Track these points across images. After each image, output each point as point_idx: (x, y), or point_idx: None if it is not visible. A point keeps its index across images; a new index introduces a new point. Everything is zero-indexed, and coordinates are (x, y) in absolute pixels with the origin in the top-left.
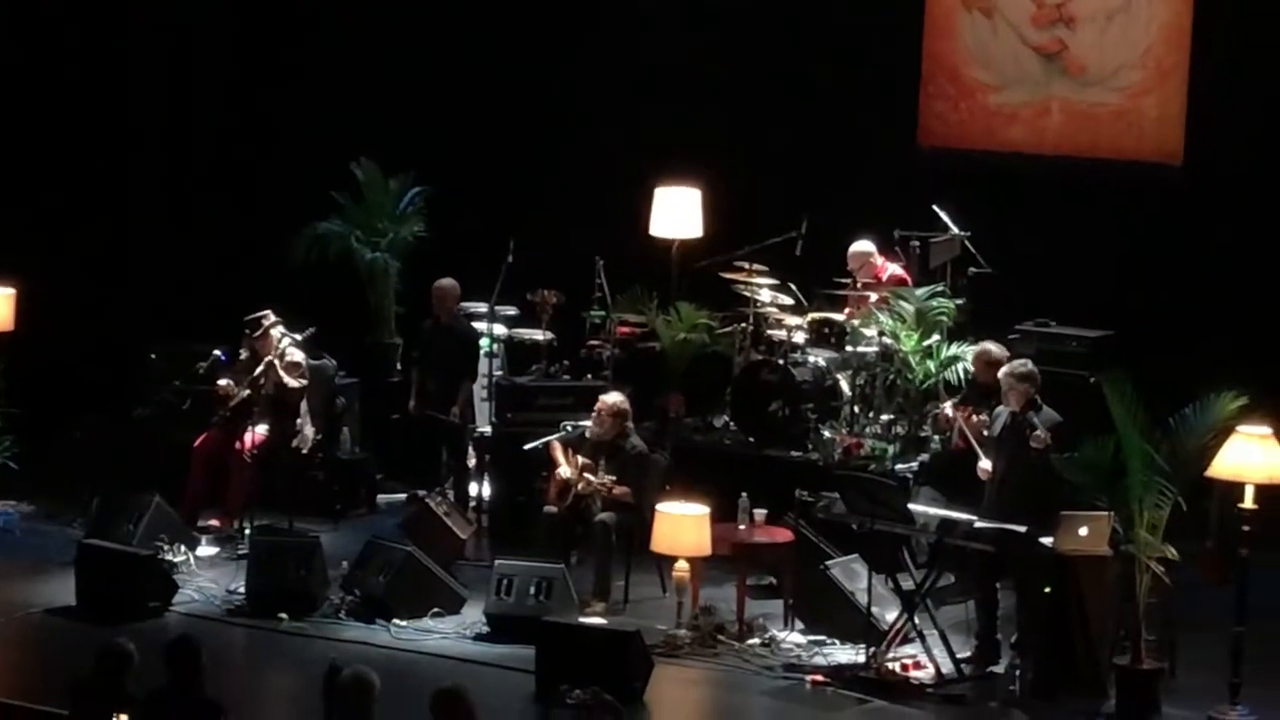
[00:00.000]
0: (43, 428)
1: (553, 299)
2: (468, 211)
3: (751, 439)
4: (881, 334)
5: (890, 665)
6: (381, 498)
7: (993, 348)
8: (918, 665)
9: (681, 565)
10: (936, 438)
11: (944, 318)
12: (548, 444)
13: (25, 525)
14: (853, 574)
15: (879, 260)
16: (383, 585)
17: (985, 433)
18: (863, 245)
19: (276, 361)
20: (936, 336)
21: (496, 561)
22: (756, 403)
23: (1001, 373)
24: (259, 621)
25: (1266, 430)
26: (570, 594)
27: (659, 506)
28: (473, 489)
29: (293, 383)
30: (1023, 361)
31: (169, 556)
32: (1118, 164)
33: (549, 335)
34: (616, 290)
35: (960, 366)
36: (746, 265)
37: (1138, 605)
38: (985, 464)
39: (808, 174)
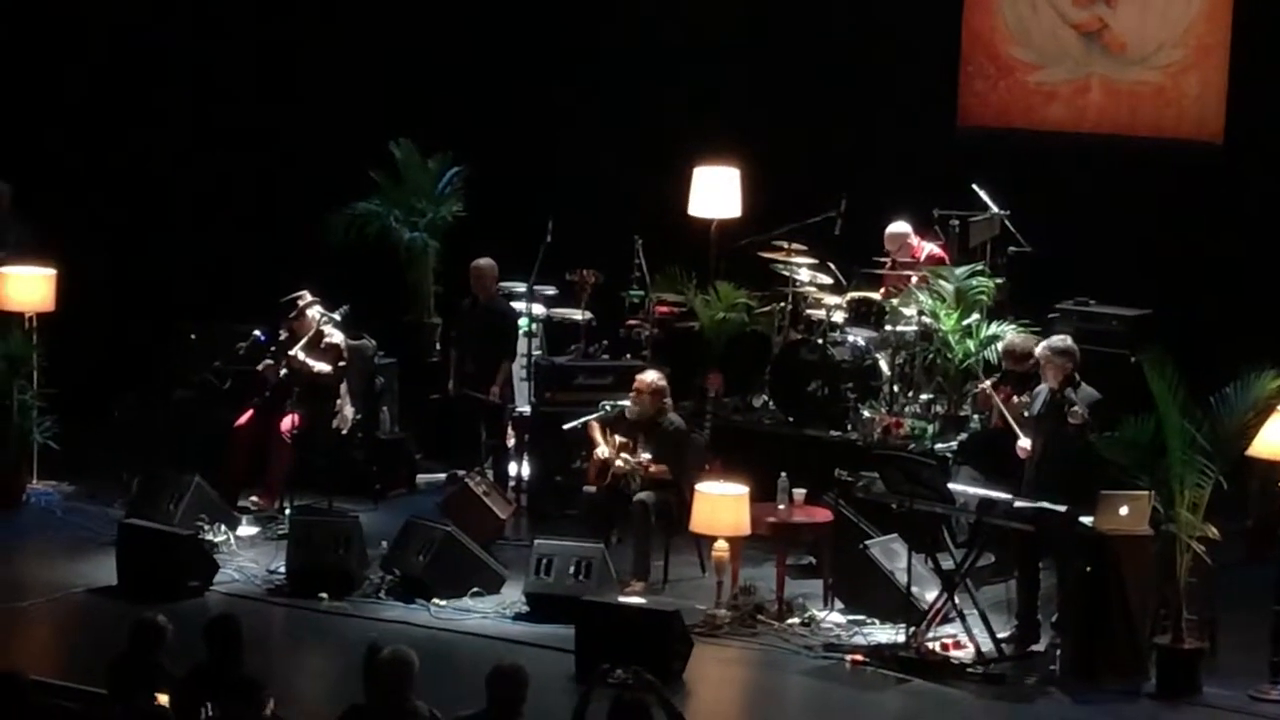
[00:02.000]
0: (83, 409)
1: (591, 278)
2: (506, 191)
3: (790, 418)
4: (921, 313)
5: (930, 645)
6: (421, 477)
7: (1019, 340)
8: (958, 645)
9: (721, 545)
10: (976, 417)
11: (983, 296)
12: (586, 423)
13: (66, 505)
14: (892, 553)
15: (915, 240)
16: (422, 565)
17: (1025, 413)
18: (899, 226)
19: (301, 352)
20: (976, 315)
21: (536, 541)
22: (795, 382)
23: (1039, 348)
24: (299, 601)
25: None
26: (610, 573)
27: (698, 486)
28: (512, 468)
29: (321, 367)
30: (1062, 338)
31: (209, 536)
32: (1158, 142)
33: (588, 315)
34: (655, 270)
35: (1000, 346)
36: (785, 244)
37: (1178, 584)
38: (1024, 443)
39: (847, 153)
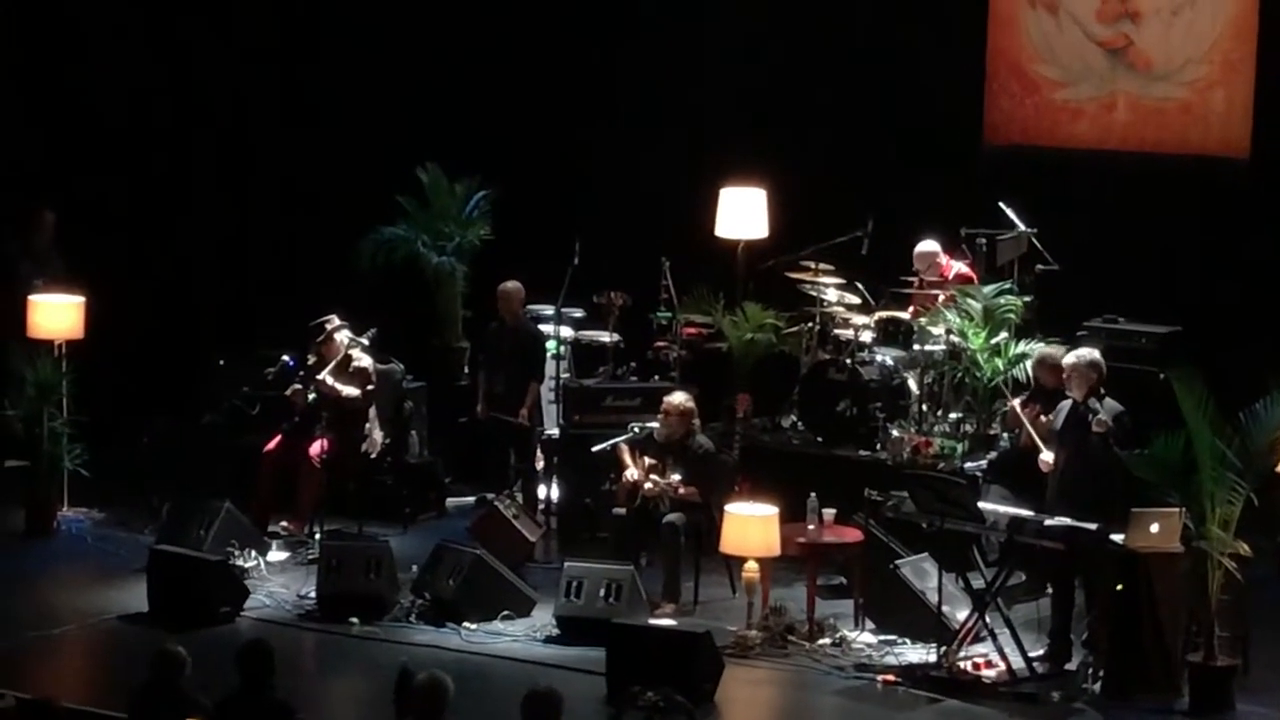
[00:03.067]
0: (113, 435)
1: (619, 300)
2: (533, 214)
3: (820, 438)
4: (949, 332)
5: (962, 664)
6: (450, 501)
7: (1054, 351)
8: (989, 664)
9: (751, 566)
10: (1005, 435)
11: (1012, 315)
12: (615, 446)
13: (97, 532)
14: (923, 573)
15: (944, 259)
16: (453, 589)
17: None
18: (928, 245)
19: (329, 376)
20: (1004, 334)
21: (566, 564)
22: (824, 402)
23: (1067, 360)
24: (330, 626)
25: None
26: (640, 595)
27: (727, 507)
28: (541, 491)
29: (349, 392)
30: (1088, 350)
31: (240, 562)
32: (1184, 159)
33: (615, 337)
34: (683, 291)
35: (1028, 364)
36: (812, 265)
37: (1210, 602)
38: (1047, 456)
39: (873, 172)
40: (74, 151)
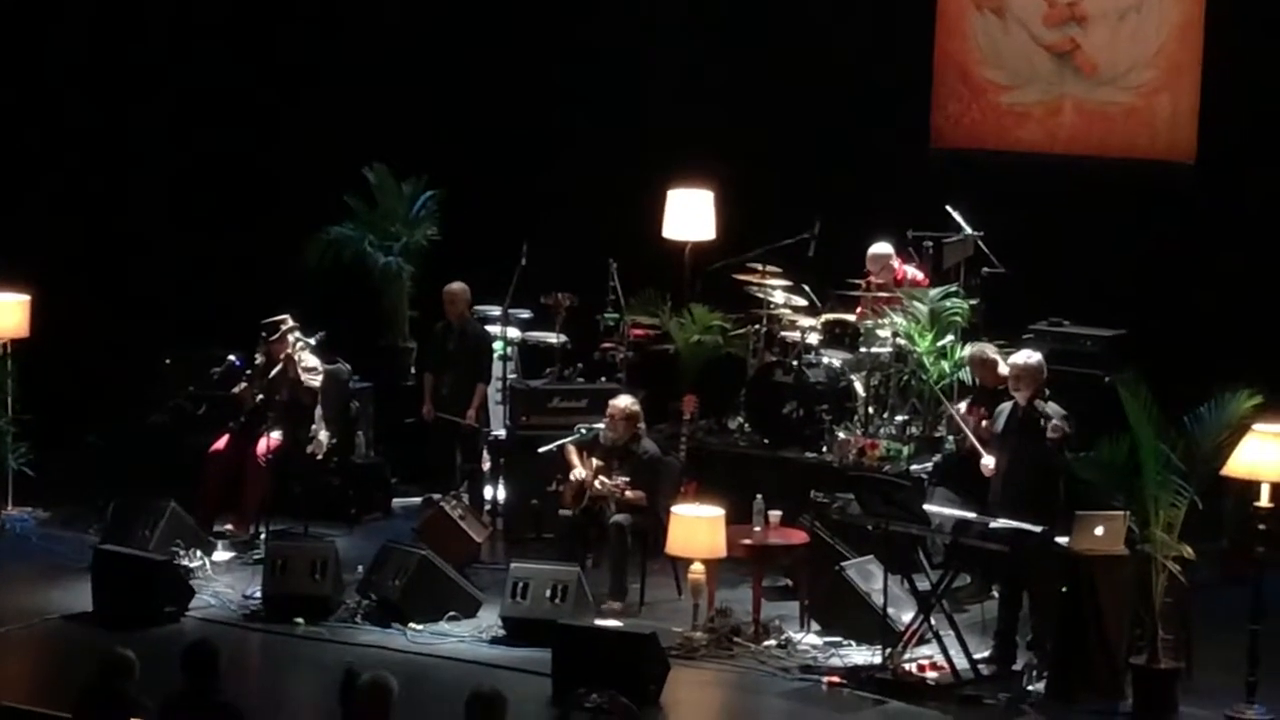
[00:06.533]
0: (58, 434)
1: (566, 302)
2: (480, 215)
3: (766, 440)
4: (895, 335)
5: (906, 666)
6: (396, 502)
7: (988, 349)
8: (934, 666)
9: (697, 567)
10: (950, 438)
11: (958, 318)
12: (562, 447)
13: (41, 531)
14: (868, 575)
15: (896, 262)
16: (398, 589)
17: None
18: (882, 247)
19: (294, 362)
20: (950, 337)
21: (512, 564)
22: (771, 404)
23: (1015, 361)
24: (275, 626)
25: None
26: (586, 596)
27: (674, 509)
28: (488, 492)
29: (312, 381)
30: (1029, 353)
31: (185, 562)
32: (1131, 163)
33: (562, 338)
34: (630, 293)
35: (967, 357)
36: (760, 267)
37: (1154, 604)
38: (989, 460)
39: (820, 175)
40: (20, 148)
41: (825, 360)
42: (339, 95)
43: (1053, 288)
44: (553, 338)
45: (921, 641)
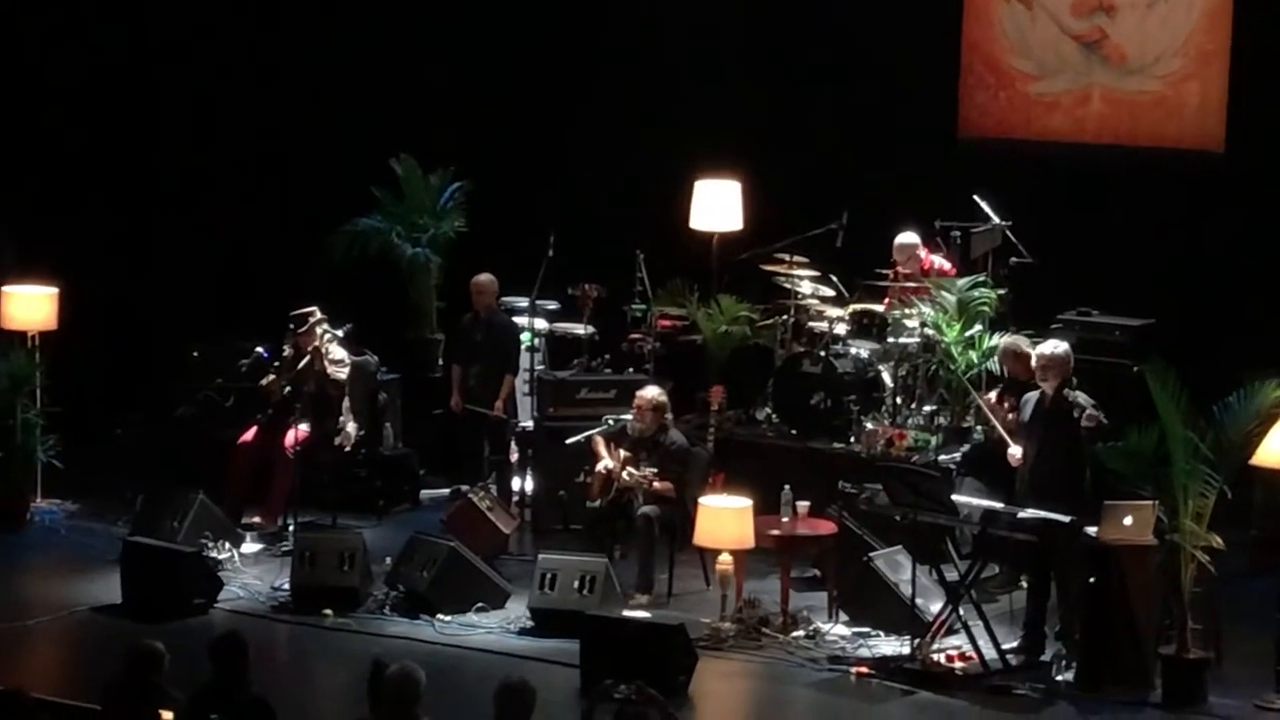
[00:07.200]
0: (86, 427)
1: (594, 293)
2: (508, 206)
3: (794, 431)
4: (923, 325)
5: (935, 656)
6: (424, 493)
7: (1021, 342)
8: (963, 656)
9: (725, 558)
10: (979, 428)
11: (986, 308)
12: (590, 438)
13: (70, 524)
14: (896, 565)
15: (923, 252)
16: (426, 581)
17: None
18: (908, 237)
19: (321, 354)
20: (978, 327)
21: (540, 556)
22: (798, 395)
23: (1043, 350)
24: (303, 618)
25: None
26: (614, 588)
27: (701, 500)
28: (515, 483)
29: (339, 374)
30: (1055, 342)
31: (213, 554)
32: (1159, 152)
33: (590, 329)
34: (657, 284)
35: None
36: (787, 257)
37: (1183, 594)
38: (1015, 450)
39: (848, 165)
40: (48, 142)
41: (853, 350)
42: (367, 86)
43: (1081, 277)
44: (580, 329)
45: (950, 632)
